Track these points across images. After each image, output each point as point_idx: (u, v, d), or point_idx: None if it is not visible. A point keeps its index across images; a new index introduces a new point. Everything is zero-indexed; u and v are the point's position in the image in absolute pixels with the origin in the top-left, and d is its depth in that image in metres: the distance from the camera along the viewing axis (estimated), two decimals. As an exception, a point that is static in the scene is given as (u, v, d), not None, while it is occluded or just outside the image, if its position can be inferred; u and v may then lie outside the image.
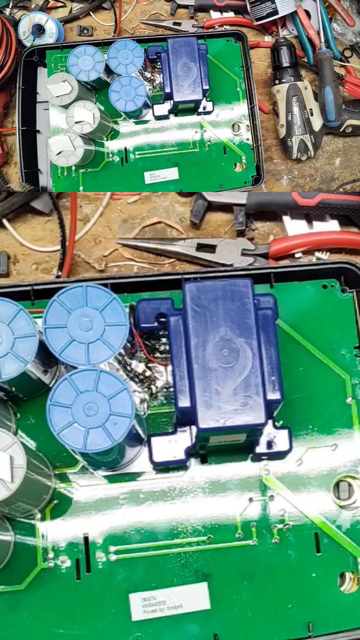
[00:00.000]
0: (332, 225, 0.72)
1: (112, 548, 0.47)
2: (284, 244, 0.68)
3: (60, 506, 0.47)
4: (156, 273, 0.50)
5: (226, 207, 0.71)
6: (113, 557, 0.47)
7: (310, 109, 0.79)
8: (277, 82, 0.79)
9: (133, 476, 0.48)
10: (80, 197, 0.71)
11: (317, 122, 0.79)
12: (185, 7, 0.86)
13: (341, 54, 0.83)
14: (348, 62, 0.84)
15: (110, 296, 0.42)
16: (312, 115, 0.79)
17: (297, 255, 0.70)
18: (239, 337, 0.43)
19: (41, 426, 0.48)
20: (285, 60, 0.79)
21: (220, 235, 0.71)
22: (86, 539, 0.47)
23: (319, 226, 0.72)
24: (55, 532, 0.47)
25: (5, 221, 0.68)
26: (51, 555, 0.46)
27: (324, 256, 0.70)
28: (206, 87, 0.71)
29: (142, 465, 0.48)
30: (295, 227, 0.71)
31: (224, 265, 0.68)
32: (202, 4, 0.85)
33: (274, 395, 0.43)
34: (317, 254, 0.70)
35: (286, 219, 0.71)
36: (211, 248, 0.69)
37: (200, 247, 0.69)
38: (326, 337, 0.51)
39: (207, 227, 0.72)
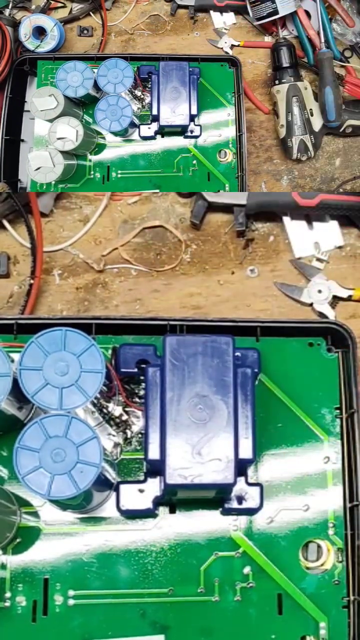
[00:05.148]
0: (332, 225, 0.71)
1: (71, 592, 0.46)
2: None
3: (22, 544, 0.47)
4: (142, 317, 0.50)
5: (226, 208, 0.71)
6: (71, 602, 0.46)
7: (310, 109, 0.79)
8: (277, 82, 0.80)
9: (100, 520, 0.48)
10: (80, 198, 0.71)
11: (317, 123, 0.79)
12: (185, 7, 0.87)
13: (341, 54, 0.83)
14: (348, 62, 0.84)
15: (89, 342, 0.42)
16: (312, 115, 0.79)
17: None
18: (216, 394, 0.42)
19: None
20: (285, 61, 0.80)
21: (221, 235, 0.71)
22: (46, 580, 0.46)
23: (319, 227, 0.71)
24: (14, 570, 0.46)
25: (5, 222, 0.68)
26: (8, 594, 0.46)
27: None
28: (194, 112, 0.70)
29: (110, 510, 0.48)
30: (295, 227, 0.71)
31: None
32: (202, 4, 0.86)
33: (245, 455, 0.43)
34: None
35: (286, 219, 0.71)
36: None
37: None
38: (308, 396, 0.51)
39: (207, 228, 0.72)
